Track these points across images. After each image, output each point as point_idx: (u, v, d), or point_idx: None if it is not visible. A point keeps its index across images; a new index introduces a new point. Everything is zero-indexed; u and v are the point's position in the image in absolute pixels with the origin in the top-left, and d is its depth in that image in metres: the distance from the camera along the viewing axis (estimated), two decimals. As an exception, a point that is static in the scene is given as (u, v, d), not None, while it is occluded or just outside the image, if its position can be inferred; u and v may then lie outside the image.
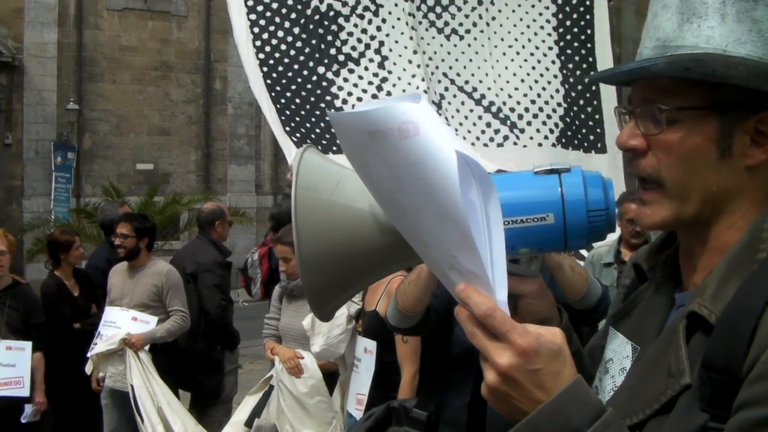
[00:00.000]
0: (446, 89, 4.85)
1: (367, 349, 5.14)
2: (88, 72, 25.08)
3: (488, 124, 4.94)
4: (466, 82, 4.90)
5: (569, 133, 5.32)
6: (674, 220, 1.48)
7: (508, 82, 5.01)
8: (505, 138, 5.00)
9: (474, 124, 4.89)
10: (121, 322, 6.91)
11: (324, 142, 4.76)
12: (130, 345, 6.69)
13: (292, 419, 5.66)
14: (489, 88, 4.97)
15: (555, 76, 5.34)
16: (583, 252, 5.87)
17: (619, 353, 1.60)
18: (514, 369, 1.22)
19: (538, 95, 5.27)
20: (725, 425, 1.23)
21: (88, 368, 6.93)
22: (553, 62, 5.39)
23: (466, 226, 1.15)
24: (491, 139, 4.92)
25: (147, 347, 6.81)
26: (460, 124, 4.87)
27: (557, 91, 5.31)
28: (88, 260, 8.60)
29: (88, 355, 6.87)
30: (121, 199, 11.85)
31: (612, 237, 6.19)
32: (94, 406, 7.37)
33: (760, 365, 1.20)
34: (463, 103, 4.90)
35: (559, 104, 5.33)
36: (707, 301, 1.36)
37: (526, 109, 5.08)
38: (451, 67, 4.81)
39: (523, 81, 5.04)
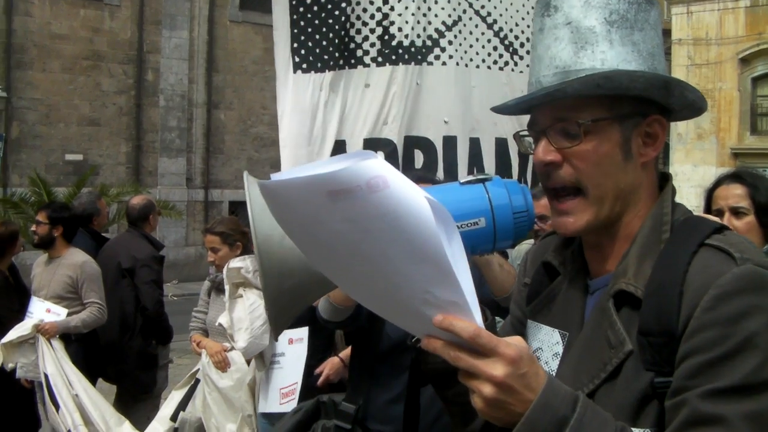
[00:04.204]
0: (464, 11, 5.14)
1: (293, 339, 5.17)
2: (17, 59, 24.53)
3: (494, 48, 5.25)
4: (482, 7, 5.22)
5: None
6: (594, 223, 1.73)
7: (517, 11, 5.33)
8: (506, 63, 5.30)
9: (483, 47, 5.20)
10: (36, 313, 6.85)
11: (325, 57, 4.90)
12: (43, 332, 6.61)
13: (217, 413, 5.61)
14: (501, 15, 5.25)
15: None
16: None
17: (547, 341, 1.84)
18: (509, 377, 1.37)
19: None
20: (672, 377, 1.50)
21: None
22: None
23: (446, 262, 1.27)
24: (495, 62, 5.25)
25: (57, 336, 6.72)
26: (471, 45, 5.16)
27: None
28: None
29: None
30: (97, 192, 11.60)
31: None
32: (32, 403, 7.30)
33: (694, 321, 1.49)
34: (476, 26, 5.18)
35: None
36: (631, 279, 1.63)
37: (528, 39, 5.36)
38: None
39: (528, 12, 5.33)
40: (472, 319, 1.36)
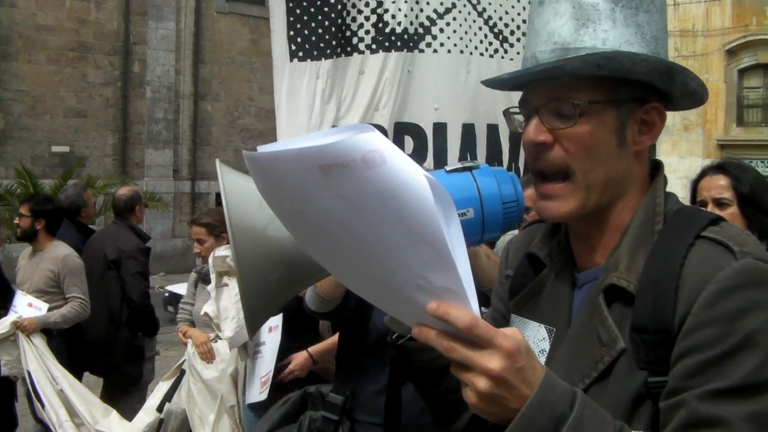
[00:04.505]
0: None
1: (271, 327, 5.15)
2: (2, 51, 24.32)
3: (485, 36, 5.35)
4: None
5: None
6: (581, 210, 1.65)
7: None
8: (495, 51, 5.40)
9: (475, 34, 5.30)
10: (19, 308, 6.79)
11: (322, 45, 4.98)
12: (21, 328, 6.54)
13: (201, 404, 5.58)
14: (490, 3, 5.35)
15: None
16: None
17: (533, 337, 1.74)
18: (506, 370, 1.28)
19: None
20: (667, 376, 1.43)
21: None
22: None
23: (444, 245, 1.19)
24: (486, 50, 5.35)
25: (39, 331, 6.64)
26: (465, 32, 5.26)
27: None
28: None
29: None
30: (83, 183, 11.51)
31: None
32: (10, 401, 7.28)
33: (692, 318, 1.42)
34: (469, 14, 5.29)
35: None
36: (623, 273, 1.56)
37: (518, 26, 5.46)
38: None
39: (518, 0, 5.44)
40: (469, 307, 1.27)
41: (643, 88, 1.62)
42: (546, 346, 1.71)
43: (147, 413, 6.08)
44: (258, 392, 5.08)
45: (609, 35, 1.59)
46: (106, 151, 26.46)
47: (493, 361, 1.28)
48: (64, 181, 19.35)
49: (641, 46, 1.60)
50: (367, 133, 1.13)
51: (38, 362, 6.44)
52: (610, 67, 1.56)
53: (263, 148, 1.23)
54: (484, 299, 3.71)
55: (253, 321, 1.65)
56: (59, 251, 7.07)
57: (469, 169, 1.62)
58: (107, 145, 26.52)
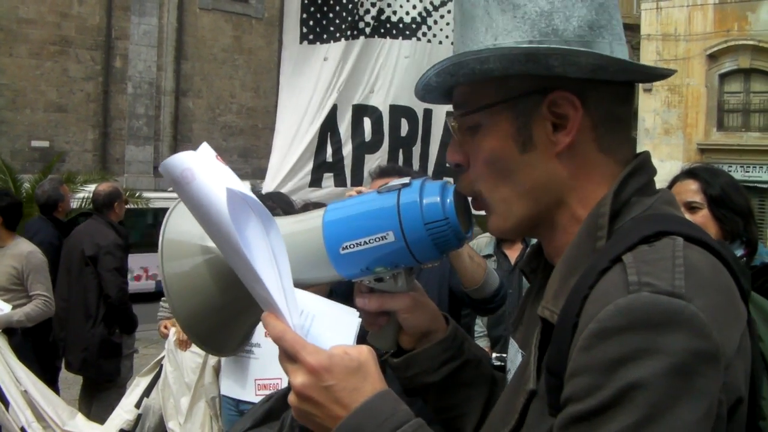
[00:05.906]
0: None
1: None
2: (-18, 43, 24.30)
3: None
4: None
5: None
6: (512, 227, 1.41)
7: None
8: None
9: None
10: None
11: (331, 28, 5.27)
12: None
13: (176, 392, 5.55)
14: None
15: None
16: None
17: (515, 363, 1.52)
18: (307, 387, 1.26)
19: None
20: None
21: None
22: None
23: (247, 259, 1.24)
24: None
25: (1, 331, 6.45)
26: (453, 30, 5.59)
27: None
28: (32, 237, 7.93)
29: None
30: (59, 177, 11.40)
31: None
32: None
33: (571, 363, 1.15)
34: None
35: None
36: (549, 302, 1.28)
37: None
38: None
39: None
40: (284, 319, 1.30)
41: (546, 77, 1.30)
42: None
43: (125, 409, 6.02)
44: (253, 393, 5.04)
45: (485, 31, 1.34)
46: (86, 147, 26.34)
47: (296, 377, 1.27)
48: (44, 176, 19.16)
49: (523, 31, 1.31)
50: (186, 152, 1.24)
51: (1, 362, 6.32)
52: (463, 73, 1.34)
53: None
54: (468, 300, 3.69)
55: (218, 350, 1.60)
56: (22, 248, 6.91)
57: (399, 187, 1.45)
58: (87, 140, 26.39)
